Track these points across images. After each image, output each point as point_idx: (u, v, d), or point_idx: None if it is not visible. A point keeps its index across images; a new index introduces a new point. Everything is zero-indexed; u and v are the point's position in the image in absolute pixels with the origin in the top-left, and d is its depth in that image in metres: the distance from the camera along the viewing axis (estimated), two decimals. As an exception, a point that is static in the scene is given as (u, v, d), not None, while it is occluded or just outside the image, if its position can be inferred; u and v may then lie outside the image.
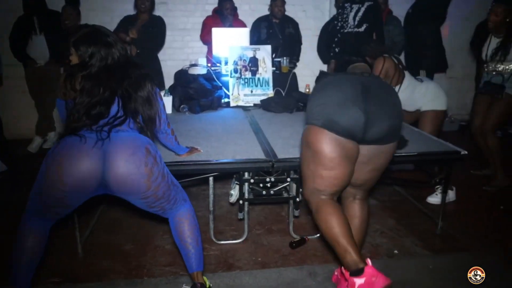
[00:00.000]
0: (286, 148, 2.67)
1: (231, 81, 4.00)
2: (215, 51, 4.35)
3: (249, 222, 2.84)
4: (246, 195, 2.59)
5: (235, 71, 4.00)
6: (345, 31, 4.28)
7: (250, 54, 4.03)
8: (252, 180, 2.54)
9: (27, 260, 1.85)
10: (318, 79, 2.08)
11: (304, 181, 2.01)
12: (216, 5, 5.01)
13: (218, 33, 4.35)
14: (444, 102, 3.45)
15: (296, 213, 2.73)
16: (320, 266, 2.46)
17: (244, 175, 2.54)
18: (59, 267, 2.45)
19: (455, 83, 6.19)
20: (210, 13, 5.06)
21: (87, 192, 1.78)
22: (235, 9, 4.94)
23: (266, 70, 4.05)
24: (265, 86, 4.04)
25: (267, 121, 3.45)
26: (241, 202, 2.60)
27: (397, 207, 3.31)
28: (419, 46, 4.85)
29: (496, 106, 3.52)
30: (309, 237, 2.76)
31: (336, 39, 4.36)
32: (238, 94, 4.01)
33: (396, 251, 2.65)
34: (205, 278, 2.05)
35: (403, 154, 2.63)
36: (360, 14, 4.21)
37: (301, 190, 2.60)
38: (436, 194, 3.31)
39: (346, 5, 4.28)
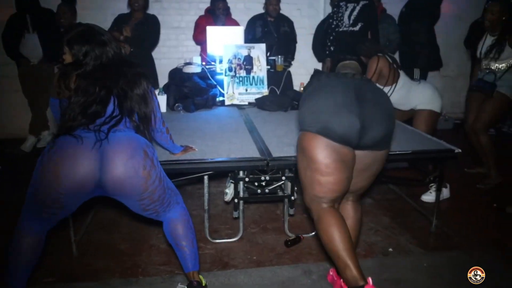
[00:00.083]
0: (281, 147, 2.67)
1: (225, 80, 3.99)
2: (210, 50, 4.35)
3: (244, 221, 2.84)
4: (241, 194, 2.59)
5: (230, 69, 3.99)
6: (340, 29, 4.28)
7: (244, 52, 4.02)
8: (247, 179, 2.54)
9: (23, 261, 1.83)
10: (312, 78, 2.07)
11: (303, 188, 1.98)
12: (209, 4, 4.99)
13: (213, 32, 4.34)
14: (439, 105, 3.45)
15: (291, 211, 2.73)
16: (315, 264, 2.46)
17: (239, 173, 2.54)
18: (54, 267, 2.44)
19: (449, 81, 6.22)
20: (204, 12, 5.05)
21: (84, 193, 1.76)
22: (227, 8, 4.92)
23: (260, 69, 4.05)
24: (260, 84, 4.04)
25: (261, 119, 3.45)
26: (236, 200, 2.60)
27: (392, 205, 3.32)
28: (413, 45, 4.87)
29: (488, 104, 3.54)
30: (304, 235, 2.76)
31: (331, 38, 4.37)
32: (233, 92, 4.00)
33: (391, 249, 2.66)
34: (201, 276, 2.05)
35: (397, 152, 2.63)
36: (355, 13, 4.22)
37: (296, 189, 2.61)
38: (430, 192, 3.33)
39: (341, 3, 4.29)
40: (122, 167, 1.71)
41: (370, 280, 1.75)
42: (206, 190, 2.60)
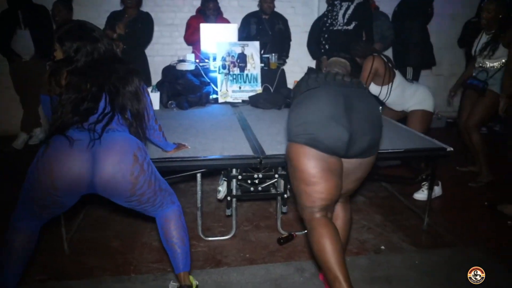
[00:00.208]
0: (274, 145, 2.67)
1: (219, 77, 3.99)
2: (203, 47, 4.33)
3: (237, 219, 2.84)
4: (234, 192, 2.58)
5: (224, 67, 3.98)
6: (335, 28, 4.29)
7: (238, 50, 4.02)
8: (240, 177, 2.54)
9: (16, 259, 1.83)
10: (302, 79, 2.04)
11: (295, 197, 1.97)
12: (200, 4, 4.98)
13: (206, 29, 4.33)
14: (432, 104, 3.46)
15: (284, 209, 2.73)
16: (308, 262, 2.47)
17: (232, 171, 2.54)
18: (45, 264, 2.43)
19: (442, 80, 6.25)
20: (195, 12, 5.03)
21: (79, 192, 1.77)
22: (218, 8, 4.90)
23: (254, 66, 4.04)
24: (254, 82, 4.04)
25: (255, 117, 3.45)
26: (229, 198, 2.60)
27: (384, 203, 3.33)
28: (406, 44, 4.89)
29: (480, 103, 3.56)
30: (297, 233, 2.76)
31: (326, 36, 4.37)
32: (227, 90, 4.00)
33: (382, 247, 2.67)
34: (191, 278, 2.03)
35: (390, 150, 2.64)
36: (349, 12, 4.23)
37: (289, 186, 2.62)
38: (423, 191, 3.35)
39: (335, 2, 4.30)
40: (110, 170, 1.70)
41: None
42: (199, 188, 2.60)
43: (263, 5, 4.89)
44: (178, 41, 5.49)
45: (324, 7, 4.60)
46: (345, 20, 4.23)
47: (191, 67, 4.07)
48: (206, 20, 4.71)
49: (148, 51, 5.05)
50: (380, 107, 3.41)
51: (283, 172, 2.55)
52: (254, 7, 5.13)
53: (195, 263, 2.43)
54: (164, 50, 5.55)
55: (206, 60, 4.29)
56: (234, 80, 4.01)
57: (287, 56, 5.15)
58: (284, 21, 5.08)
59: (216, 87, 4.02)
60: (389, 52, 4.89)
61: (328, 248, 1.75)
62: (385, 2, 5.15)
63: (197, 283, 2.10)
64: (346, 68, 2.21)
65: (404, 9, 4.94)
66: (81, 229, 2.84)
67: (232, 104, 3.93)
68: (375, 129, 1.85)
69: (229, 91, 4.00)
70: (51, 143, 1.70)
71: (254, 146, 2.64)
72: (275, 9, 5.04)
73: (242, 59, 4.01)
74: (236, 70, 4.01)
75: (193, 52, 4.41)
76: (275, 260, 2.51)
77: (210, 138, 2.80)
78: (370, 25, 4.36)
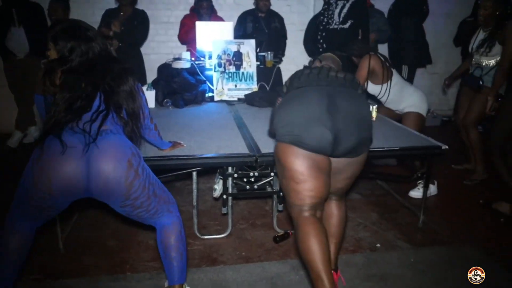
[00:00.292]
0: (270, 143, 2.66)
1: (215, 75, 3.98)
2: (199, 45, 4.32)
3: (233, 217, 2.84)
4: (230, 190, 2.58)
5: (219, 65, 3.98)
6: (331, 27, 4.29)
7: (234, 48, 4.01)
8: (235, 175, 2.54)
9: (12, 259, 1.83)
10: (293, 77, 2.03)
11: (285, 196, 1.97)
12: (194, 3, 4.96)
13: (202, 27, 4.32)
14: (426, 109, 3.46)
15: (280, 207, 2.73)
16: (304, 260, 2.47)
17: (227, 169, 2.53)
18: (41, 264, 2.42)
19: (437, 79, 6.25)
20: (189, 10, 5.01)
21: (76, 197, 1.77)
22: (212, 7, 4.90)
23: (250, 65, 4.04)
24: (250, 80, 4.03)
25: (251, 115, 3.45)
26: (224, 196, 2.60)
27: (380, 201, 3.34)
28: (401, 42, 4.90)
29: (477, 99, 3.55)
30: (292, 231, 2.76)
31: (324, 34, 4.37)
32: (222, 88, 3.99)
33: (378, 245, 2.68)
34: (184, 286, 2.01)
35: (385, 148, 2.65)
36: (345, 10, 4.23)
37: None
38: (418, 189, 3.36)
39: (331, 1, 4.29)
40: (105, 176, 1.69)
41: None
42: (194, 186, 2.60)
43: (259, 3, 4.89)
44: (173, 39, 5.46)
45: (320, 5, 4.61)
46: (341, 19, 4.23)
47: (187, 65, 4.05)
48: (200, 18, 4.70)
49: (144, 49, 5.04)
50: (376, 106, 3.41)
51: (279, 170, 2.55)
52: (249, 5, 5.13)
53: (191, 262, 2.43)
54: (160, 48, 5.54)
55: (202, 58, 4.28)
56: (230, 78, 4.00)
57: (283, 54, 5.16)
58: (280, 19, 5.08)
59: (212, 85, 4.01)
60: (385, 51, 4.90)
61: (314, 247, 1.75)
62: (380, 1, 5.15)
63: None
64: (339, 65, 2.22)
65: (399, 7, 4.96)
66: (76, 228, 2.83)
67: (228, 103, 3.93)
68: (362, 128, 1.83)
69: (225, 89, 3.99)
70: (46, 148, 1.69)
71: (249, 144, 2.64)
72: (271, 7, 5.03)
73: (238, 57, 4.01)
74: (232, 68, 4.00)
75: (188, 50, 4.40)
76: (271, 258, 2.51)
77: (206, 136, 2.79)
78: (366, 24, 4.36)
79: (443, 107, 6.33)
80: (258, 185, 2.62)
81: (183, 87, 3.81)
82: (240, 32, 4.80)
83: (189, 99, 3.79)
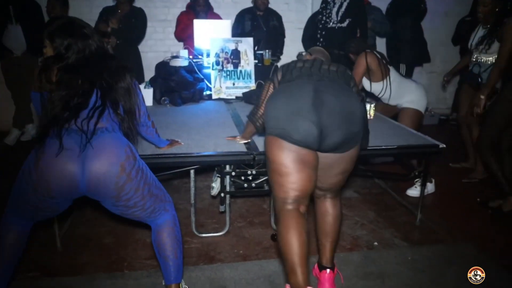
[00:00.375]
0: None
1: (213, 74, 3.97)
2: (197, 43, 4.32)
3: (231, 215, 2.84)
4: (228, 188, 2.58)
5: (217, 63, 3.97)
6: (329, 26, 4.29)
7: (232, 46, 4.01)
8: (233, 173, 2.54)
9: (7, 256, 1.83)
10: (288, 66, 2.05)
11: (271, 190, 1.97)
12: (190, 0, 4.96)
13: (200, 25, 4.31)
14: (424, 105, 3.46)
15: (278, 205, 2.73)
16: (301, 258, 2.47)
17: (225, 168, 2.53)
18: (38, 261, 2.42)
19: (435, 77, 6.27)
20: (186, 7, 5.00)
21: (73, 196, 1.78)
22: (208, 4, 4.89)
23: (248, 63, 4.03)
24: (247, 78, 4.03)
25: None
26: (222, 195, 2.60)
27: (377, 199, 3.35)
28: (399, 40, 4.90)
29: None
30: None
31: (323, 33, 4.37)
32: (220, 86, 3.99)
33: (376, 243, 2.68)
34: (180, 286, 2.01)
35: (383, 147, 2.65)
36: (342, 9, 4.22)
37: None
38: (416, 187, 3.36)
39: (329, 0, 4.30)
40: (96, 177, 1.69)
41: None
42: (192, 184, 2.60)
43: (257, 1, 4.88)
44: (171, 37, 5.46)
45: (318, 3, 4.60)
46: (339, 18, 4.23)
47: (185, 63, 4.05)
48: (197, 15, 4.69)
49: (141, 47, 5.03)
50: (373, 104, 3.42)
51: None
52: (247, 3, 5.12)
53: (189, 260, 2.43)
54: (157, 46, 5.53)
55: (200, 56, 4.27)
56: (228, 77, 4.00)
57: (281, 53, 5.15)
58: (278, 18, 5.08)
59: (210, 83, 4.01)
60: (383, 49, 4.90)
61: (292, 241, 1.75)
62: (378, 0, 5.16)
63: (187, 287, 2.10)
64: (328, 58, 2.24)
65: (397, 6, 4.96)
66: (74, 225, 2.83)
67: (226, 101, 3.92)
68: (350, 123, 1.81)
69: (222, 87, 3.99)
70: (43, 151, 1.68)
71: (247, 143, 2.64)
72: (269, 6, 5.03)
73: (235, 55, 4.00)
74: (230, 67, 4.00)
75: (186, 48, 4.40)
76: (268, 256, 2.51)
77: (204, 134, 2.79)
78: (365, 22, 4.36)
79: (441, 106, 6.34)
80: (255, 183, 2.62)
81: (181, 85, 3.80)
82: (238, 30, 4.79)
83: (187, 97, 3.79)
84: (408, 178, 3.13)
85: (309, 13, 5.41)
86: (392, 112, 3.62)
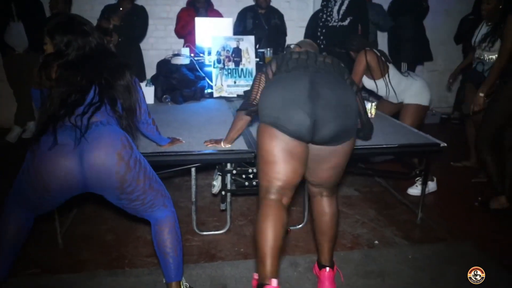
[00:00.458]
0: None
1: (214, 72, 3.98)
2: (198, 41, 4.32)
3: (232, 213, 2.85)
4: (229, 186, 2.59)
5: (218, 61, 3.97)
6: (330, 24, 4.28)
7: (233, 44, 4.00)
8: (234, 171, 2.54)
9: (7, 249, 1.83)
10: (284, 56, 2.02)
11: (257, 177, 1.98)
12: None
13: (201, 23, 4.31)
14: (428, 98, 3.44)
15: (278, 204, 2.73)
16: (302, 256, 2.48)
17: (226, 166, 2.53)
18: (39, 258, 2.42)
19: (436, 76, 6.26)
20: (186, 4, 5.00)
21: (73, 192, 1.77)
22: (208, 1, 4.88)
23: (249, 61, 4.03)
24: (249, 77, 4.03)
25: (250, 112, 3.44)
26: (223, 193, 2.60)
27: (378, 198, 3.35)
28: (401, 39, 4.89)
29: None
30: (291, 228, 2.77)
31: (323, 31, 4.36)
32: (221, 84, 3.99)
33: (376, 242, 2.68)
34: (181, 283, 2.01)
35: (383, 146, 2.65)
36: (343, 7, 4.22)
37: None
38: (417, 186, 3.36)
39: None
40: (96, 170, 1.68)
41: (273, 281, 1.72)
42: (193, 182, 2.60)
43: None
44: (172, 35, 5.45)
45: (319, 1, 4.60)
46: (340, 16, 4.22)
47: (186, 61, 4.05)
48: (197, 12, 4.69)
49: (143, 44, 5.03)
50: (375, 102, 3.42)
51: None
52: (249, 1, 5.11)
53: (190, 258, 2.44)
54: (159, 44, 5.53)
55: (201, 54, 4.27)
56: (229, 75, 4.00)
57: (282, 51, 5.13)
58: (280, 16, 5.07)
59: (211, 81, 4.01)
60: (384, 48, 4.89)
61: (267, 231, 1.75)
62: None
63: (187, 285, 2.10)
64: (317, 51, 2.23)
65: (398, 4, 4.95)
66: (75, 223, 2.84)
67: (227, 99, 3.92)
68: (345, 116, 1.81)
69: (224, 85, 3.99)
70: (38, 148, 1.68)
71: (248, 141, 2.64)
72: (271, 4, 5.02)
73: (237, 53, 4.00)
74: (231, 65, 4.00)
75: (187, 46, 4.40)
76: (269, 255, 2.51)
77: (205, 132, 2.79)
78: (366, 20, 4.35)
79: (442, 105, 6.33)
80: (256, 182, 2.61)
81: (182, 83, 3.81)
82: (240, 29, 4.78)
83: (188, 95, 3.79)
84: (409, 176, 3.13)
85: (310, 11, 5.40)
86: (397, 110, 3.61)
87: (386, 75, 3.38)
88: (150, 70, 4.55)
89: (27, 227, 1.88)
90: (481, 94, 3.19)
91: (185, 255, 2.07)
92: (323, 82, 1.83)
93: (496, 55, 3.28)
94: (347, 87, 1.91)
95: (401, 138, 2.80)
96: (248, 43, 4.04)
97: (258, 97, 2.01)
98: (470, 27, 3.83)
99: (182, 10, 4.89)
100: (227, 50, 3.98)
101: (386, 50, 4.71)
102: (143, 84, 3.66)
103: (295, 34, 5.42)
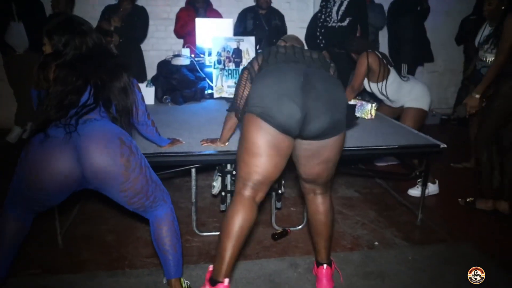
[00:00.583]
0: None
1: (214, 72, 3.98)
2: (199, 42, 4.32)
3: (232, 214, 2.84)
4: (229, 187, 2.59)
5: (219, 62, 3.97)
6: (329, 25, 4.29)
7: (233, 45, 4.00)
8: (234, 172, 2.54)
9: (6, 248, 1.84)
10: (276, 48, 2.01)
11: (236, 168, 1.96)
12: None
13: (201, 24, 4.32)
14: (428, 103, 3.43)
15: (278, 205, 2.74)
16: (301, 257, 2.48)
17: (226, 167, 2.54)
18: (39, 259, 2.42)
19: (436, 77, 6.27)
20: (185, 4, 4.99)
21: (71, 189, 1.76)
22: (207, 1, 4.89)
23: (250, 62, 4.03)
24: (249, 77, 4.02)
25: (250, 113, 3.44)
26: (223, 194, 2.60)
27: (378, 199, 3.35)
28: (401, 40, 4.89)
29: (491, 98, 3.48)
30: (291, 229, 2.77)
31: (323, 31, 4.36)
32: (222, 85, 3.99)
33: (376, 243, 2.68)
34: (182, 280, 2.02)
35: (383, 147, 2.65)
36: (342, 8, 4.22)
37: (283, 182, 2.63)
38: (417, 187, 3.36)
39: None
40: (98, 158, 1.66)
41: (226, 281, 1.75)
42: (193, 183, 2.60)
43: (260, 0, 4.87)
44: (173, 36, 5.46)
45: (319, 2, 4.60)
46: (339, 17, 4.23)
47: (186, 62, 4.05)
48: (196, 12, 4.69)
49: (143, 45, 5.03)
50: (375, 104, 3.41)
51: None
52: (250, 1, 5.11)
53: (190, 258, 2.44)
54: (159, 45, 5.53)
55: (202, 55, 4.28)
56: (230, 75, 4.00)
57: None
58: (281, 17, 5.06)
59: (211, 82, 4.01)
60: (384, 49, 4.89)
61: (234, 227, 1.77)
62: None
63: (188, 283, 2.10)
64: (302, 46, 2.24)
65: (398, 5, 4.95)
66: (75, 223, 2.84)
67: (227, 100, 3.92)
68: (335, 110, 1.80)
69: (224, 86, 3.99)
70: (31, 145, 1.68)
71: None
72: (271, 5, 5.02)
73: (237, 54, 4.00)
74: (232, 65, 4.00)
75: (188, 46, 4.40)
76: (269, 256, 2.51)
77: (205, 133, 2.79)
78: (365, 21, 4.35)
79: (442, 106, 6.33)
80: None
81: (182, 84, 3.81)
82: (240, 29, 4.78)
83: (189, 96, 3.79)
84: (409, 178, 3.13)
85: (311, 12, 5.41)
86: (397, 113, 3.60)
87: (385, 81, 3.37)
88: (151, 71, 4.55)
89: (26, 227, 1.88)
90: (477, 96, 3.17)
91: (185, 255, 2.07)
92: (315, 76, 1.83)
93: None
94: (336, 81, 1.92)
95: (401, 139, 2.80)
96: (248, 44, 4.04)
97: (244, 96, 2.00)
98: (472, 28, 3.81)
99: (182, 9, 4.89)
100: (228, 51, 3.98)
101: (386, 51, 4.72)
102: (143, 85, 3.67)
103: (295, 35, 5.41)
